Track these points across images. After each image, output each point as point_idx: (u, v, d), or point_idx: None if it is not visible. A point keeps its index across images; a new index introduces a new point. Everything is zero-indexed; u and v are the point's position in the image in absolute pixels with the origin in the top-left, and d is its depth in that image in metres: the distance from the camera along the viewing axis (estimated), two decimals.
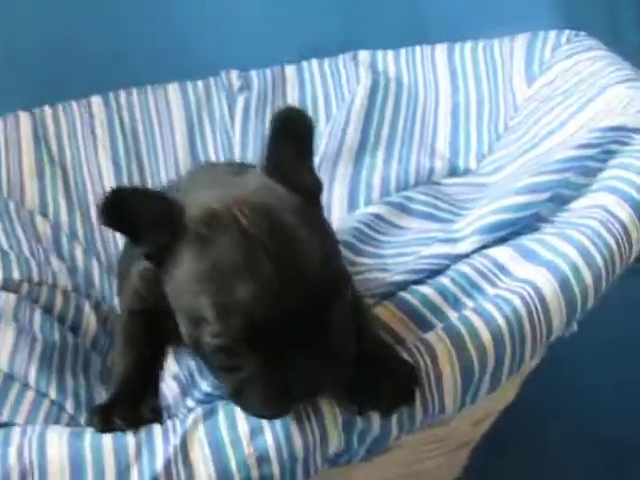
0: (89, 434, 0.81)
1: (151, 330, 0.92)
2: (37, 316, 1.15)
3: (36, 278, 1.23)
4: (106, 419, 0.82)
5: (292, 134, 0.80)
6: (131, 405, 0.85)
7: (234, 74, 1.57)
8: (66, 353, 1.13)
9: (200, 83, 1.57)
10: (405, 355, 0.85)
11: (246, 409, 0.79)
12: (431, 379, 0.84)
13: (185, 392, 0.99)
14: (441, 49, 1.49)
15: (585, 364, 1.42)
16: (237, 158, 1.52)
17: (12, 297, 1.15)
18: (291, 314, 0.73)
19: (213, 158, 1.54)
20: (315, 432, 0.81)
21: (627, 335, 1.48)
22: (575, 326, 0.99)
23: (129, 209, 0.77)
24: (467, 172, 1.36)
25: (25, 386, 1.00)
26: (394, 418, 0.83)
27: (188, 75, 1.58)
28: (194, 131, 1.55)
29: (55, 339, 1.13)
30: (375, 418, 0.82)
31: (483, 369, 0.86)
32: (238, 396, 0.78)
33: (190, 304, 0.76)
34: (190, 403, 0.94)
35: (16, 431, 0.82)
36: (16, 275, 1.20)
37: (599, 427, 1.32)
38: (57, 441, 0.80)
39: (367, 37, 1.59)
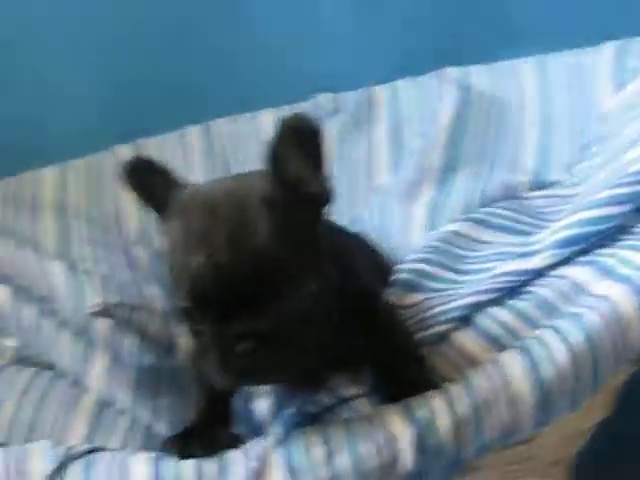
0: (171, 460, 0.84)
1: None
2: (132, 341, 1.19)
3: (133, 302, 1.27)
4: (183, 446, 0.87)
5: (299, 141, 0.81)
6: (206, 432, 0.90)
7: (327, 97, 1.58)
8: (161, 375, 1.17)
9: (295, 108, 1.56)
10: (480, 376, 0.85)
11: (205, 375, 0.82)
12: (506, 399, 0.83)
13: (273, 413, 1.00)
14: (529, 61, 1.46)
15: None
16: None
17: (108, 323, 1.19)
18: (236, 284, 0.76)
19: None
20: (388, 451, 0.81)
21: None
22: None
23: (146, 176, 0.86)
24: (555, 184, 1.33)
25: (120, 411, 1.04)
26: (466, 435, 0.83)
27: (282, 99, 1.59)
28: None
29: (150, 362, 1.17)
30: (447, 432, 0.82)
31: (560, 389, 0.84)
32: (200, 362, 0.82)
33: (169, 271, 0.82)
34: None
35: (104, 457, 0.86)
36: (113, 299, 1.24)
37: None
38: (141, 467, 0.83)
39: (458, 51, 1.58)
